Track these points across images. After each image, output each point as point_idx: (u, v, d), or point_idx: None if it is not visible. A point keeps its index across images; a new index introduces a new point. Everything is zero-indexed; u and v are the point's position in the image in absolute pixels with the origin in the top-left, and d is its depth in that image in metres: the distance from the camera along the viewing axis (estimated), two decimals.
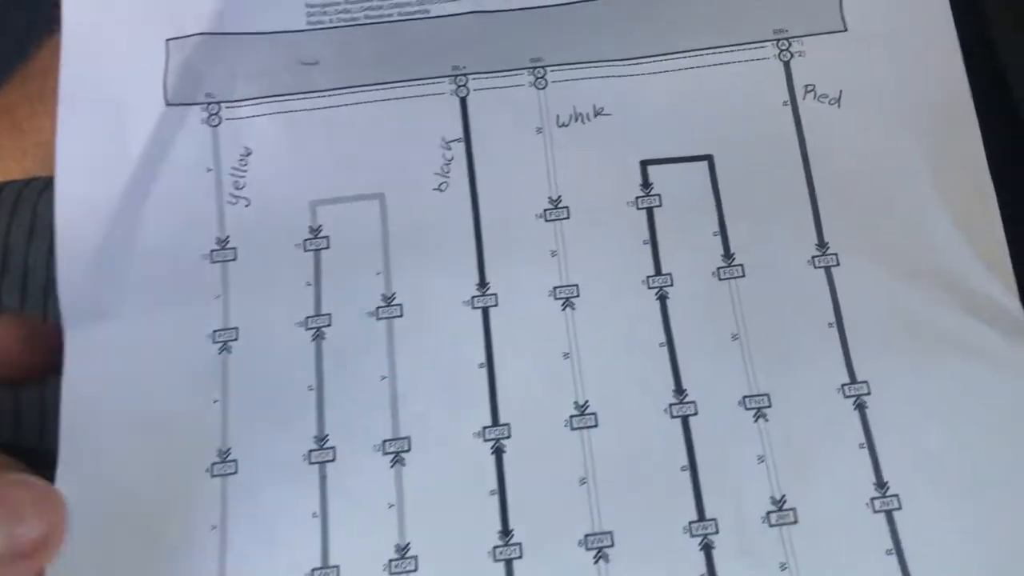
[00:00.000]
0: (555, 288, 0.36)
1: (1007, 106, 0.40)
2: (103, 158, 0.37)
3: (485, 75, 0.38)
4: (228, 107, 0.38)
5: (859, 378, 0.34)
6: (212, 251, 0.36)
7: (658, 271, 0.36)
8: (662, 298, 0.36)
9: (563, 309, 0.36)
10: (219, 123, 0.38)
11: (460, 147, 0.37)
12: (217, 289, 0.36)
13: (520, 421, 0.33)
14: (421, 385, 0.35)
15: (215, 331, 0.36)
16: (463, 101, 0.38)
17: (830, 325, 0.35)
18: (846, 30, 0.38)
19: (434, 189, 0.37)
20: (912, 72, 0.38)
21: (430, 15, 0.39)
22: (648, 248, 0.36)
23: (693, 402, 0.34)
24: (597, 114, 0.38)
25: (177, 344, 0.35)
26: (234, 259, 0.36)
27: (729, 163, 0.37)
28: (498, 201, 0.36)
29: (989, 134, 0.35)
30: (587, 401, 0.35)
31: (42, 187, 0.45)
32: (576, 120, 0.37)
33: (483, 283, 0.36)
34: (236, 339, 0.36)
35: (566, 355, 0.35)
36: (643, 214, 0.37)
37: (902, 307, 0.35)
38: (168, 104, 0.38)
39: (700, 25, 0.38)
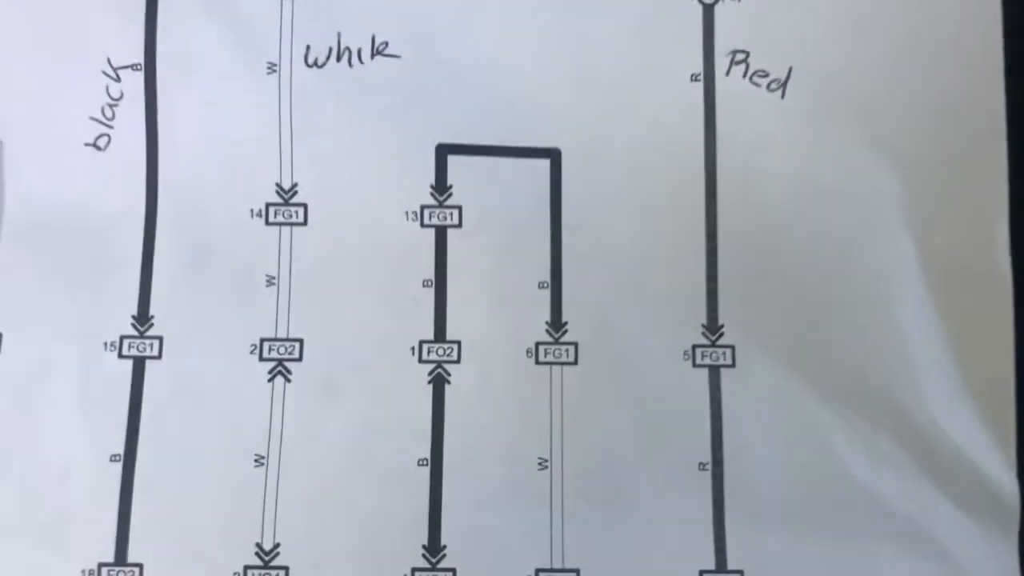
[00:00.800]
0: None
1: None
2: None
3: None
4: None
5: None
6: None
7: (440, 338, 0.21)
8: (438, 379, 0.21)
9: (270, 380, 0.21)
10: None
11: (136, 79, 0.21)
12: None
13: None
14: None
15: None
16: (150, 4, 0.22)
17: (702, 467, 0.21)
18: None
19: (88, 144, 0.21)
20: (904, 57, 0.22)
21: None
22: (430, 297, 0.21)
23: None
24: (378, 52, 0.22)
25: None
26: None
27: (585, 162, 0.21)
28: (188, 179, 0.21)
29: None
30: None
31: None
32: (339, 58, 0.22)
33: (144, 318, 0.21)
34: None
35: None
36: (429, 237, 0.21)
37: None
38: None
39: None
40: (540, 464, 0.21)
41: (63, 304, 0.22)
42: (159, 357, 0.22)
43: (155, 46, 0.22)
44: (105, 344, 0.21)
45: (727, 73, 0.22)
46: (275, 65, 0.22)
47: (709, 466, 0.21)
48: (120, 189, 0.22)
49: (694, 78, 0.22)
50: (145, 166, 0.22)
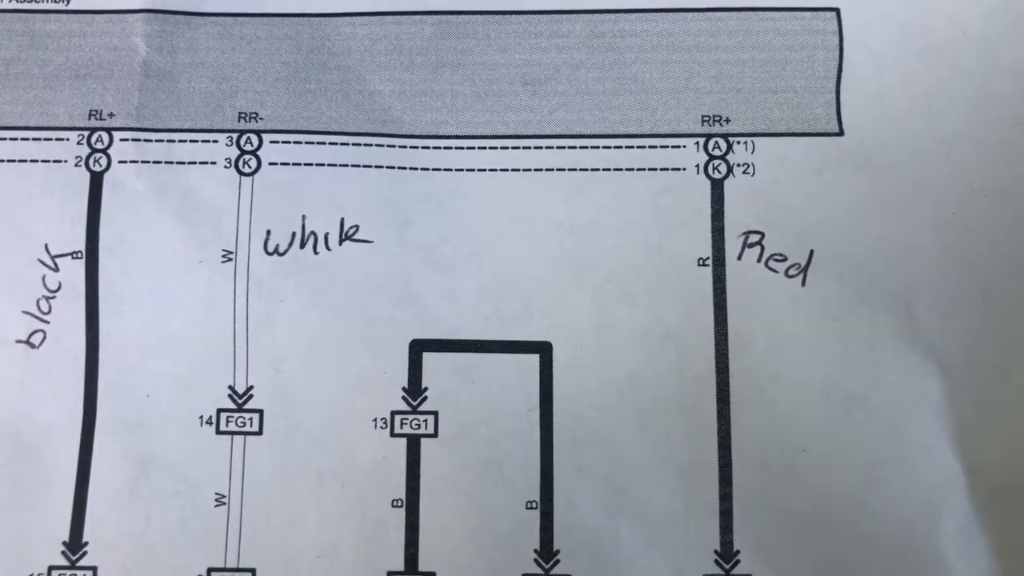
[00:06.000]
0: (210, 572, 0.18)
1: None
2: None
3: (145, 134, 0.20)
4: None
5: None
6: None
7: (411, 570, 0.18)
8: None
9: None
10: None
11: (77, 268, 0.19)
12: None
13: None
14: None
15: None
16: (96, 179, 0.20)
17: None
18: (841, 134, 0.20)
19: (21, 341, 0.19)
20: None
21: (68, 7, 0.20)
22: (400, 520, 0.18)
23: None
24: (346, 237, 0.19)
25: None
26: None
27: (579, 360, 0.19)
28: (131, 381, 0.19)
29: None
30: None
31: None
32: (303, 245, 0.19)
33: (76, 546, 0.18)
34: None
35: None
36: (400, 448, 0.19)
37: None
38: None
39: (562, 89, 0.20)
40: None
41: None
42: None
43: (98, 232, 0.20)
44: None
45: (739, 257, 0.20)
46: (231, 253, 0.20)
47: None
48: (55, 393, 0.19)
49: (702, 262, 0.20)
50: (84, 367, 0.19)
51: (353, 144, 0.20)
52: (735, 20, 0.20)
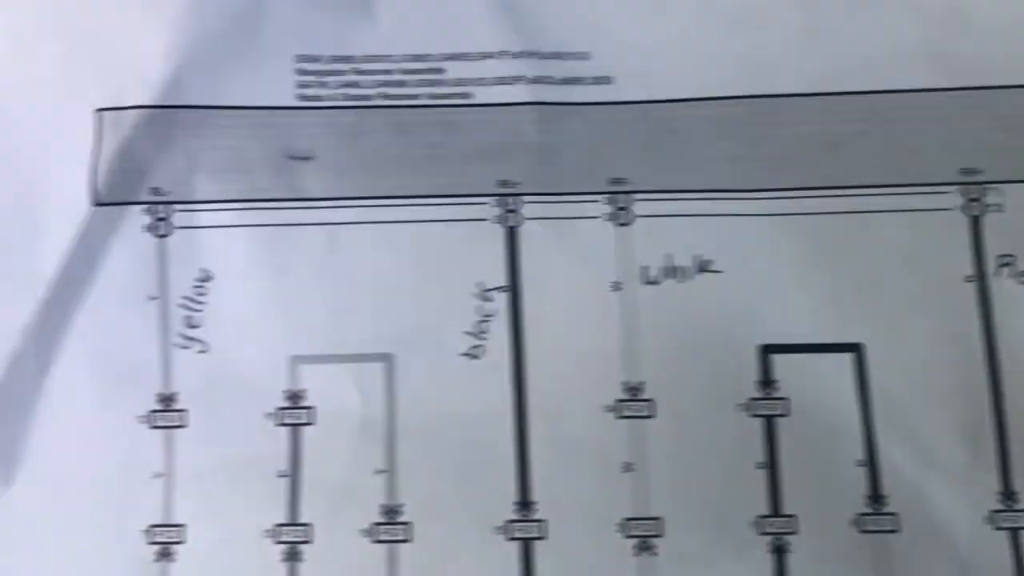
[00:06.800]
0: (628, 521, 0.25)
1: None
2: (3, 274, 0.26)
3: (544, 197, 0.27)
4: (182, 211, 0.26)
5: None
6: (152, 412, 0.26)
7: (776, 512, 0.25)
8: (778, 550, 0.25)
9: (637, 554, 0.25)
10: (168, 233, 0.26)
11: (503, 300, 0.26)
12: (157, 465, 0.25)
13: None
14: None
15: (152, 528, 0.25)
16: (511, 232, 0.26)
17: None
18: None
19: (462, 354, 0.26)
20: None
21: (473, 101, 0.27)
22: (762, 477, 0.25)
23: None
24: (701, 269, 0.26)
25: (96, 542, 0.25)
26: (182, 425, 0.25)
27: (884, 357, 0.26)
28: (552, 381, 0.25)
29: None
30: None
31: None
32: (670, 276, 0.26)
33: (525, 503, 0.25)
34: (182, 541, 0.25)
35: None
36: (758, 425, 0.26)
37: None
38: (97, 203, 0.26)
39: (853, 152, 0.27)
40: None
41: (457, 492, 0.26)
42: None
43: (517, 271, 0.27)
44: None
45: (995, 273, 0.27)
46: (620, 283, 0.27)
47: None
48: (492, 393, 0.26)
49: (967, 279, 0.27)
50: (512, 372, 0.27)
51: (719, 199, 0.27)
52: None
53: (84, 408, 0.26)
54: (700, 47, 0.27)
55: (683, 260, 0.27)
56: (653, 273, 0.27)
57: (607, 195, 0.27)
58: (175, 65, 0.27)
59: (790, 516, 0.26)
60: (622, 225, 0.27)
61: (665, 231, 0.27)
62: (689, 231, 0.27)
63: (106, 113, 0.27)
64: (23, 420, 0.26)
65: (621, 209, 0.27)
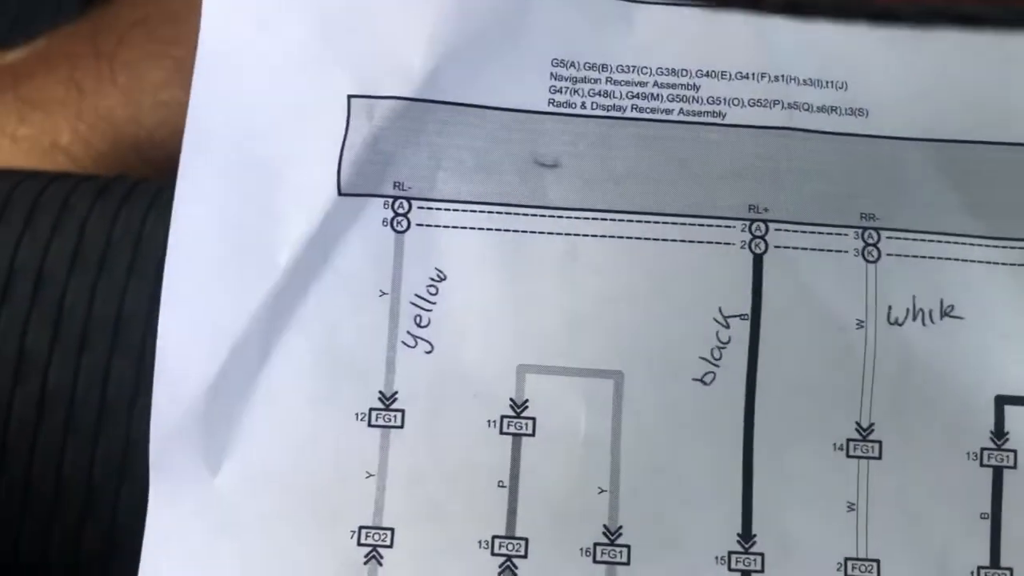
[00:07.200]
0: (847, 560, 0.25)
1: None
2: (233, 258, 0.25)
3: (793, 226, 0.26)
4: (422, 207, 0.26)
5: None
6: (371, 410, 0.25)
7: (995, 564, 0.25)
8: None
9: None
10: (407, 227, 0.26)
11: (743, 327, 0.26)
12: (371, 464, 0.25)
13: None
14: None
15: (362, 529, 0.25)
16: (758, 260, 0.26)
17: None
18: None
19: (695, 379, 0.25)
20: None
21: (727, 121, 0.27)
22: (987, 527, 0.25)
23: None
24: (945, 314, 0.26)
25: (303, 539, 0.25)
26: (400, 425, 0.25)
27: None
28: (782, 414, 0.25)
29: None
30: None
31: (96, 192, 0.32)
32: (915, 318, 0.26)
33: (747, 536, 0.25)
34: (389, 545, 0.25)
35: None
36: (987, 475, 0.25)
37: None
38: (340, 193, 0.26)
39: None
40: None
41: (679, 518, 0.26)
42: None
43: (760, 300, 0.26)
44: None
45: None
46: (863, 322, 0.26)
47: None
48: (717, 423, 0.26)
49: None
50: (744, 402, 0.26)
51: (964, 244, 0.26)
52: None
53: (302, 401, 0.26)
54: (958, 88, 0.27)
55: (927, 303, 0.26)
56: (897, 314, 0.26)
57: (858, 229, 0.26)
58: (435, 59, 0.26)
59: (1008, 568, 0.25)
60: (870, 262, 0.26)
61: (911, 272, 0.26)
62: (935, 274, 0.26)
63: (358, 100, 0.26)
64: (238, 408, 0.26)
65: (871, 245, 0.26)
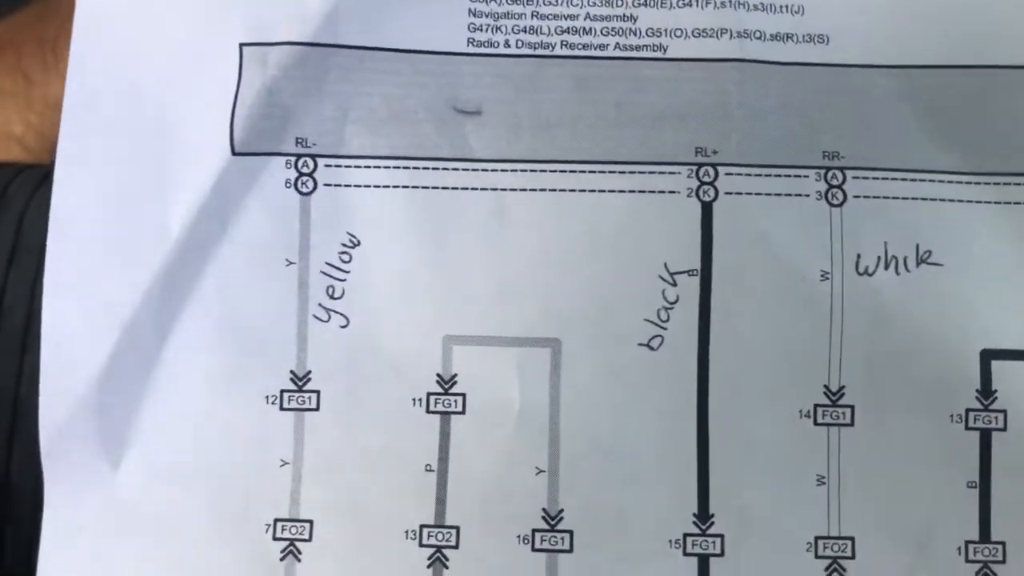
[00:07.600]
0: (818, 540, 0.22)
1: None
2: (121, 229, 0.23)
3: (746, 169, 0.23)
4: (329, 166, 0.23)
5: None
6: (283, 392, 0.23)
7: (984, 538, 0.22)
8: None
9: (827, 574, 0.22)
10: (312, 188, 0.23)
11: (692, 284, 0.23)
12: (285, 451, 0.23)
13: None
14: None
15: (277, 522, 0.22)
16: (707, 208, 0.23)
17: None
18: None
19: (641, 344, 0.23)
20: None
21: (669, 55, 0.24)
22: (974, 496, 0.22)
23: None
24: (921, 261, 0.23)
25: (213, 535, 0.22)
26: (315, 408, 0.23)
27: None
28: (739, 380, 0.22)
29: None
30: None
31: (37, 182, 0.30)
32: (887, 266, 0.23)
33: (704, 516, 0.23)
34: (308, 539, 0.22)
35: None
36: (973, 439, 0.23)
37: None
38: (234, 152, 0.23)
39: None
40: None
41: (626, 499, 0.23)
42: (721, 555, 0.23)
43: (711, 253, 0.24)
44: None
45: None
46: (828, 273, 0.23)
47: None
48: (670, 389, 0.23)
49: None
50: (696, 366, 0.23)
51: (942, 182, 0.23)
52: None
53: (205, 384, 0.23)
54: (927, 8, 0.24)
55: (900, 250, 0.23)
56: (867, 263, 0.23)
57: (820, 170, 0.23)
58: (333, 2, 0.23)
59: (1000, 543, 0.23)
60: (835, 206, 0.23)
61: (881, 215, 0.23)
62: (908, 216, 0.23)
63: (250, 48, 0.23)
64: (136, 395, 0.23)
65: (835, 187, 0.23)
